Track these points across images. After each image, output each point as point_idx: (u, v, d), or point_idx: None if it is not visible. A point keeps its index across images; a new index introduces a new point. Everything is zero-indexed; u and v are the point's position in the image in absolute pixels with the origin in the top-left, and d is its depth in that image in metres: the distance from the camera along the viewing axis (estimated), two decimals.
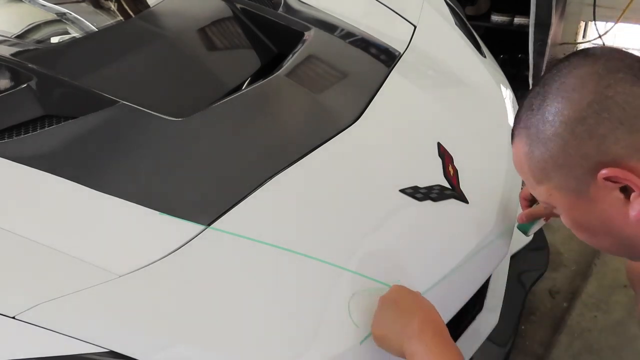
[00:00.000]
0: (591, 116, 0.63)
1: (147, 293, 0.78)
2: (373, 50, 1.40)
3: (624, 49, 0.67)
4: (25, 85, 1.08)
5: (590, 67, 0.65)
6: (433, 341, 0.74)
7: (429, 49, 1.45)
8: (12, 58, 1.17)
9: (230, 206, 0.89)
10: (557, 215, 0.78)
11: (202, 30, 1.37)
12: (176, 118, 1.05)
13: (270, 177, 0.95)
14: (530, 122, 0.69)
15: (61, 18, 1.42)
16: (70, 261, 0.79)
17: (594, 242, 0.75)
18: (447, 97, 1.33)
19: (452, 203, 1.02)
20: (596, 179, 0.64)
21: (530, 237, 1.47)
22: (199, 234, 0.85)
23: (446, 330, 0.77)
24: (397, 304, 0.79)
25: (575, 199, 0.69)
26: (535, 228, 1.07)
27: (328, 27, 1.43)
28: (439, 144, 1.10)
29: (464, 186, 1.06)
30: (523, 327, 1.57)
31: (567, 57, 0.68)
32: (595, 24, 2.84)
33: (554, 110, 0.66)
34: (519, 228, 1.08)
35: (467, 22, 1.73)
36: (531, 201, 1.05)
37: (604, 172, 0.63)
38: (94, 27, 1.36)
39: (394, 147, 1.11)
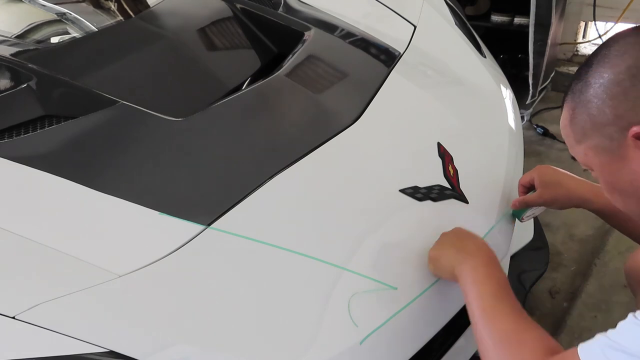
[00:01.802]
0: (628, 79, 0.67)
1: (147, 293, 0.78)
2: (373, 50, 1.40)
3: None
4: (25, 85, 1.08)
5: (634, 37, 0.69)
6: (482, 268, 0.82)
7: (429, 49, 1.45)
8: (12, 58, 1.17)
9: (230, 206, 0.89)
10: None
11: (202, 30, 1.37)
12: (176, 118, 1.05)
13: (270, 177, 0.95)
14: (576, 87, 0.74)
15: (61, 18, 1.42)
16: (70, 261, 0.79)
17: (623, 204, 0.77)
18: (447, 97, 1.34)
19: (452, 203, 1.02)
20: (627, 139, 0.68)
21: (531, 236, 1.47)
22: (199, 234, 0.85)
23: (498, 266, 0.83)
24: (457, 235, 0.90)
25: (607, 159, 0.72)
26: (530, 215, 1.11)
27: (328, 27, 1.43)
28: (439, 144, 1.10)
29: (464, 186, 1.06)
30: None
31: (617, 33, 0.73)
32: (595, 24, 2.84)
33: (596, 75, 0.70)
34: (513, 214, 1.11)
35: (467, 22, 1.73)
36: (528, 189, 1.09)
37: (634, 129, 0.67)
38: (94, 27, 1.36)
39: (394, 147, 1.11)
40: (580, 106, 0.72)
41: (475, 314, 0.79)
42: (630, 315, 0.66)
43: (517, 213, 1.11)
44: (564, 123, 0.77)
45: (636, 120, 0.67)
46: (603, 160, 0.73)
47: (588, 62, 0.73)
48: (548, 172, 1.06)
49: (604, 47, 0.71)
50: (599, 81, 0.70)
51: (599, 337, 0.67)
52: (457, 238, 0.90)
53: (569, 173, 1.06)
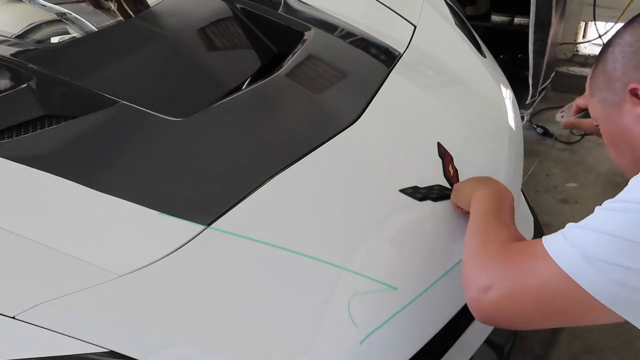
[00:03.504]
0: None
1: (147, 293, 0.78)
2: (373, 51, 1.40)
3: None
4: (25, 85, 1.08)
5: None
6: (491, 193, 0.88)
7: (429, 49, 1.45)
8: (12, 58, 1.17)
9: (230, 206, 0.89)
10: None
11: (202, 30, 1.37)
12: (176, 118, 1.05)
13: (270, 177, 0.95)
14: (603, 48, 0.81)
15: (61, 18, 1.42)
16: (70, 261, 0.79)
17: (616, 157, 0.82)
18: (447, 97, 1.34)
19: None
20: (626, 93, 0.74)
21: (531, 236, 1.47)
22: (199, 234, 0.85)
23: (511, 205, 0.87)
24: (482, 176, 0.97)
25: (609, 111, 0.78)
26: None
27: (328, 27, 1.43)
28: (439, 144, 1.10)
29: None
30: None
31: None
32: (595, 24, 2.84)
33: (619, 37, 0.77)
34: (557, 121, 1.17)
35: (467, 22, 1.73)
36: (581, 110, 1.10)
37: (632, 85, 0.73)
38: (94, 27, 1.36)
39: (394, 147, 1.11)
40: (600, 63, 0.80)
41: (468, 229, 0.84)
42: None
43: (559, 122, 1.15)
44: (587, 81, 0.85)
45: (637, 77, 0.72)
46: (606, 113, 0.79)
47: (620, 28, 0.79)
48: None
49: (630, 20, 0.78)
50: (620, 42, 0.77)
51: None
52: (481, 177, 0.98)
53: None
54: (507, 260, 0.71)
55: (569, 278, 0.63)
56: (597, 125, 0.93)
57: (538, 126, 2.65)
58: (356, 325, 0.81)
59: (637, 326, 0.63)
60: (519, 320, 0.72)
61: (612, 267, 0.60)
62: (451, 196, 0.98)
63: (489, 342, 1.22)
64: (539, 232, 1.54)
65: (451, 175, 1.05)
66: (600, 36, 2.87)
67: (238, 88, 1.22)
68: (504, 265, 0.71)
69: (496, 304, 0.70)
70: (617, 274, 0.60)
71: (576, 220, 0.68)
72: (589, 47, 3.28)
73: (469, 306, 0.76)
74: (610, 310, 0.62)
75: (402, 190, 0.99)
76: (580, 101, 1.09)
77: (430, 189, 1.01)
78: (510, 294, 0.69)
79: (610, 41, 0.79)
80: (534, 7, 2.31)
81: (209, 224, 0.86)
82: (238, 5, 1.45)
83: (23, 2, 1.47)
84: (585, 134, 1.18)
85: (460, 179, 1.06)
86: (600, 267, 0.60)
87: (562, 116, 1.14)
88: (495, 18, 2.93)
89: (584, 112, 1.07)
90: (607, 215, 0.64)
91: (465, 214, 0.93)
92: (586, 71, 3.12)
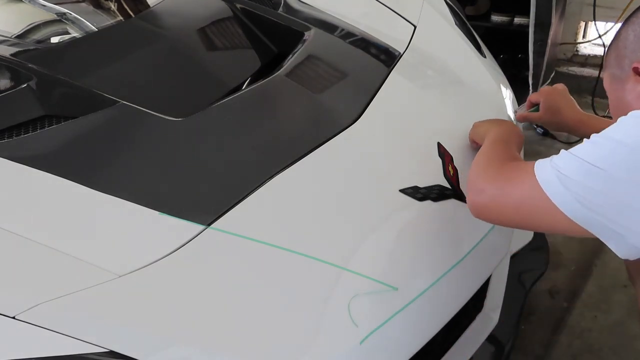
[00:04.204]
0: None
1: (147, 293, 0.78)
2: (373, 50, 1.40)
3: None
4: (25, 85, 1.08)
5: None
6: (502, 130, 1.02)
7: (429, 49, 1.45)
8: (12, 58, 1.17)
9: (230, 206, 0.89)
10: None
11: (202, 30, 1.37)
12: (176, 118, 1.05)
13: (270, 177, 0.95)
14: (619, 29, 0.87)
15: (61, 18, 1.42)
16: (70, 261, 0.79)
17: None
18: (447, 97, 1.34)
19: (452, 203, 1.02)
20: (631, 72, 0.80)
21: (531, 236, 1.47)
22: (199, 234, 0.85)
23: (520, 142, 1.02)
24: (500, 119, 1.12)
25: (615, 86, 0.85)
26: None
27: (328, 27, 1.43)
28: (439, 144, 1.10)
29: (464, 186, 1.06)
30: (523, 327, 1.57)
31: None
32: (595, 24, 2.84)
33: (633, 17, 0.83)
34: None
35: (467, 22, 1.73)
36: (533, 105, 1.25)
37: (635, 64, 0.80)
38: (94, 27, 1.36)
39: (394, 147, 1.11)
40: (615, 39, 0.86)
41: (479, 151, 0.97)
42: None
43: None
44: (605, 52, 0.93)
45: None
46: (613, 87, 0.86)
47: (638, 7, 0.85)
48: (554, 98, 1.20)
49: None
50: (635, 21, 0.82)
51: None
52: (499, 119, 1.13)
53: (572, 101, 1.20)
54: (501, 171, 0.85)
55: (542, 191, 0.74)
56: (542, 117, 1.18)
57: (538, 126, 2.65)
58: (356, 325, 0.81)
59: (599, 238, 0.72)
60: (501, 220, 0.87)
61: (576, 185, 0.70)
62: (469, 132, 1.13)
63: (489, 341, 1.22)
64: (539, 232, 1.54)
65: (451, 175, 1.05)
66: (600, 36, 2.87)
67: (238, 88, 1.22)
68: (498, 174, 0.85)
69: (486, 204, 0.85)
70: (580, 191, 0.70)
71: None
72: (589, 47, 3.28)
73: (467, 205, 0.90)
74: (574, 223, 0.72)
75: (402, 190, 0.99)
76: (533, 97, 1.24)
77: (430, 189, 1.01)
78: (496, 196, 0.83)
79: (627, 19, 0.84)
80: (534, 7, 2.31)
81: (209, 224, 0.86)
82: (238, 5, 1.45)
83: (23, 2, 1.47)
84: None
85: (460, 179, 1.06)
86: (567, 184, 0.71)
87: (517, 111, 1.31)
88: (495, 18, 2.93)
89: (535, 107, 1.22)
90: (587, 145, 0.73)
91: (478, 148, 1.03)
92: (586, 71, 3.13)
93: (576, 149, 0.74)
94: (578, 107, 1.19)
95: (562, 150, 0.76)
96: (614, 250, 0.71)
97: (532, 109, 1.24)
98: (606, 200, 0.68)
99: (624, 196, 0.67)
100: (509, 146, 0.96)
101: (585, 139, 0.75)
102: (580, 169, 0.70)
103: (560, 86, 1.22)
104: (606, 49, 0.91)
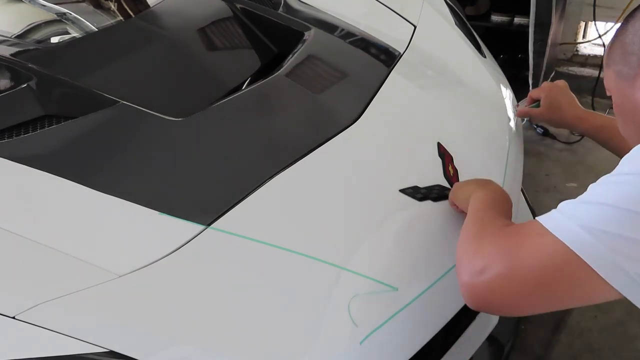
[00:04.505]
0: None
1: (147, 293, 0.78)
2: (373, 50, 1.40)
3: None
4: (25, 85, 1.08)
5: None
6: (488, 194, 0.86)
7: (429, 49, 1.45)
8: (12, 58, 1.17)
9: (230, 206, 0.89)
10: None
11: (202, 30, 1.37)
12: (176, 118, 1.05)
13: (270, 177, 0.95)
14: (622, 24, 0.81)
15: (61, 18, 1.42)
16: (70, 261, 0.79)
17: (622, 128, 0.83)
18: (447, 97, 1.34)
19: None
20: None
21: None
22: (199, 234, 0.85)
23: (509, 208, 0.86)
24: (482, 179, 0.97)
25: (622, 84, 0.78)
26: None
27: (328, 27, 1.43)
28: (439, 144, 1.10)
29: None
30: (523, 327, 1.57)
31: None
32: (595, 24, 2.84)
33: (636, 12, 0.79)
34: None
35: (467, 22, 1.73)
36: (534, 101, 1.25)
37: None
38: (94, 27, 1.36)
39: (394, 147, 1.11)
40: (620, 34, 0.80)
41: (464, 224, 0.81)
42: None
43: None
44: (606, 48, 0.85)
45: None
46: (619, 85, 0.79)
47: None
48: (555, 95, 1.19)
49: None
50: (635, 16, 0.78)
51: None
52: (482, 179, 0.96)
53: (572, 98, 1.19)
54: (502, 241, 0.69)
55: (570, 250, 0.60)
56: (543, 114, 1.17)
57: (538, 126, 2.65)
58: (356, 325, 0.80)
59: (635, 303, 0.61)
60: (517, 301, 0.67)
61: (612, 237, 0.58)
62: (449, 195, 0.97)
63: (489, 341, 1.22)
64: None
65: (451, 175, 1.05)
66: (600, 36, 2.87)
67: (238, 88, 1.22)
68: (500, 245, 0.68)
69: (493, 284, 0.66)
70: (617, 243, 0.58)
71: None
72: (589, 47, 3.28)
73: (462, 293, 0.72)
74: (610, 286, 0.59)
75: (402, 190, 0.99)
76: (534, 93, 1.23)
77: (430, 189, 1.01)
78: (507, 272, 0.65)
79: (632, 14, 0.79)
80: (534, 7, 2.30)
81: (209, 224, 0.86)
82: (238, 5, 1.45)
83: (23, 2, 1.48)
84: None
85: (461, 179, 1.06)
86: (600, 237, 0.59)
87: (518, 105, 1.31)
88: (495, 18, 2.93)
89: (536, 103, 1.23)
90: (604, 188, 0.63)
91: (462, 213, 0.91)
92: (586, 71, 3.13)
93: (589, 195, 0.64)
94: (578, 104, 1.19)
95: (567, 202, 0.65)
96: None
97: (532, 105, 1.25)
98: None
99: None
100: (499, 213, 0.81)
101: (591, 185, 0.66)
102: (608, 216, 0.59)
103: (561, 82, 1.22)
104: (608, 45, 0.84)
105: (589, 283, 0.60)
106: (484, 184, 0.93)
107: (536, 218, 0.67)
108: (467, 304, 0.72)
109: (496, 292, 0.67)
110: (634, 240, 0.57)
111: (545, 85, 1.23)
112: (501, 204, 0.85)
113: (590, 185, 0.65)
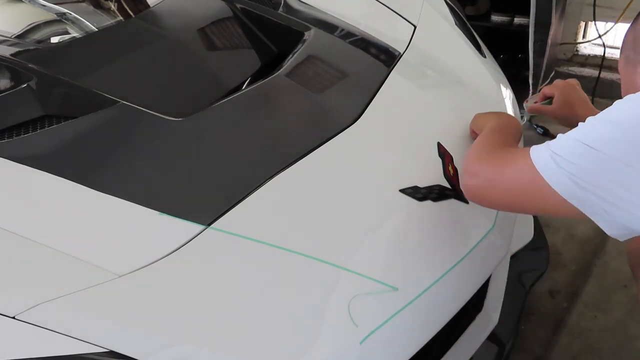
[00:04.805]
0: None
1: (147, 293, 0.78)
2: (373, 50, 1.40)
3: None
4: (25, 85, 1.08)
5: None
6: (504, 125, 1.03)
7: (429, 49, 1.45)
8: (12, 58, 1.17)
9: (230, 206, 0.89)
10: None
11: (202, 30, 1.37)
12: (176, 118, 1.05)
13: (270, 177, 0.95)
14: (637, 16, 0.87)
15: (61, 18, 1.42)
16: (70, 261, 0.79)
17: None
18: (447, 97, 1.34)
19: (452, 203, 1.02)
20: None
21: (531, 236, 1.47)
22: (199, 234, 0.85)
23: (518, 134, 1.03)
24: (502, 113, 1.16)
25: (629, 69, 0.86)
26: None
27: (328, 27, 1.43)
28: (439, 144, 1.10)
29: None
30: (523, 327, 1.57)
31: None
32: (595, 24, 2.83)
33: None
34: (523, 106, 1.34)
35: (467, 22, 1.73)
36: (546, 97, 1.27)
37: None
38: (94, 27, 1.36)
39: (394, 147, 1.11)
40: (635, 22, 0.86)
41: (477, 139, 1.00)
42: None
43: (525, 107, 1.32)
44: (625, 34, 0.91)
45: None
46: (626, 70, 0.87)
47: None
48: (569, 92, 1.21)
49: None
50: None
51: None
52: (500, 112, 1.15)
53: (585, 96, 1.22)
54: (496, 155, 0.87)
55: (536, 171, 0.75)
56: (555, 111, 1.20)
57: (538, 126, 2.65)
58: (356, 325, 0.81)
59: (591, 218, 0.74)
60: (494, 202, 0.89)
61: (570, 165, 0.72)
62: (470, 122, 1.14)
63: (489, 341, 1.22)
64: (539, 232, 1.54)
65: (451, 175, 1.05)
66: (600, 36, 2.87)
67: (238, 88, 1.22)
68: (493, 158, 0.87)
69: (480, 186, 0.88)
70: (574, 170, 0.71)
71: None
72: (589, 47, 3.28)
73: (462, 188, 0.95)
74: (566, 202, 0.73)
75: (402, 190, 0.99)
76: (546, 90, 1.24)
77: (430, 189, 1.01)
78: (491, 178, 0.85)
79: None
80: (534, 7, 2.30)
81: (209, 224, 0.86)
82: (238, 5, 1.45)
83: (23, 2, 1.48)
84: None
85: (461, 179, 1.06)
86: (561, 164, 0.72)
87: (527, 102, 1.30)
88: (495, 18, 2.93)
89: (548, 100, 1.23)
90: (583, 127, 0.75)
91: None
92: (586, 71, 3.13)
93: (572, 131, 0.75)
94: (590, 103, 1.21)
95: (559, 134, 0.77)
96: (604, 229, 0.73)
97: (544, 102, 1.24)
98: (598, 179, 0.70)
99: (615, 174, 0.69)
100: (506, 135, 0.98)
101: (580, 123, 0.76)
102: (574, 149, 0.72)
103: (574, 81, 1.23)
104: (625, 35, 0.89)
105: (549, 198, 0.75)
106: (501, 114, 1.14)
107: (532, 146, 0.80)
108: (465, 197, 0.95)
109: (482, 193, 0.89)
110: (581, 167, 0.71)
111: (559, 82, 1.24)
112: (510, 129, 1.02)
113: (580, 123, 0.76)
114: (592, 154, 0.70)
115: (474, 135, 1.12)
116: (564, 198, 0.73)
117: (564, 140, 0.75)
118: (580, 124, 0.75)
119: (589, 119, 0.75)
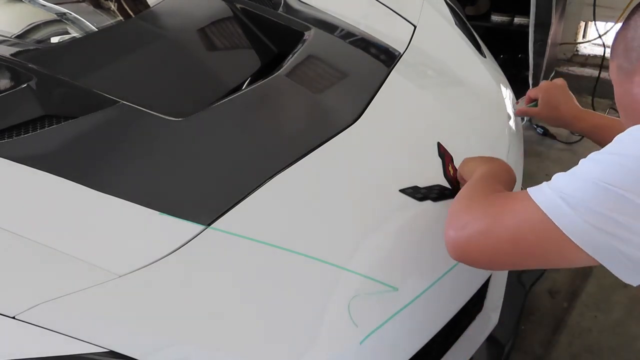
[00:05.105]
0: None
1: (147, 293, 0.78)
2: (373, 50, 1.40)
3: None
4: (25, 85, 1.08)
5: None
6: (496, 172, 0.89)
7: (429, 49, 1.45)
8: (12, 58, 1.17)
9: (230, 206, 0.89)
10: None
11: (202, 30, 1.37)
12: (176, 118, 1.05)
13: (270, 177, 0.95)
14: (627, 18, 0.83)
15: (61, 18, 1.42)
16: (70, 261, 0.79)
17: (625, 122, 0.84)
18: (447, 97, 1.34)
19: None
20: (639, 63, 0.77)
21: None
22: (199, 234, 0.85)
23: (508, 180, 0.90)
24: (490, 157, 0.98)
25: (622, 78, 0.81)
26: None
27: (328, 27, 1.43)
28: (439, 144, 1.10)
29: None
30: (523, 327, 1.57)
31: None
32: (595, 24, 2.84)
33: (638, 9, 0.80)
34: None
35: (467, 22, 1.73)
36: (532, 100, 1.27)
37: None
38: (94, 27, 1.36)
39: (394, 147, 1.11)
40: (624, 29, 0.82)
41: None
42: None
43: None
44: (612, 41, 0.87)
45: None
46: (619, 79, 0.82)
47: None
48: (553, 93, 1.20)
49: None
50: (637, 12, 0.79)
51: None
52: (488, 157, 0.98)
53: (570, 96, 1.20)
54: (489, 202, 0.75)
55: (545, 216, 0.66)
56: (541, 113, 1.19)
57: (538, 126, 2.65)
58: (356, 325, 0.81)
59: (607, 268, 0.66)
60: (491, 257, 0.74)
61: (586, 209, 0.63)
62: (458, 168, 1.01)
63: (489, 341, 1.22)
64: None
65: (451, 175, 1.05)
66: (600, 36, 2.87)
67: (238, 88, 1.22)
68: (485, 206, 0.75)
69: (472, 238, 0.73)
70: (591, 215, 0.63)
71: None
72: (589, 47, 3.28)
73: (446, 244, 0.78)
74: (581, 250, 0.65)
75: (402, 190, 0.99)
76: (532, 92, 1.25)
77: (430, 189, 1.01)
78: (486, 229, 0.72)
79: (635, 9, 0.80)
80: (534, 7, 2.30)
81: (209, 224, 0.86)
82: (238, 5, 1.45)
83: (23, 2, 1.48)
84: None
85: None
86: (575, 207, 0.64)
87: (518, 103, 1.31)
88: (495, 18, 2.93)
89: (534, 102, 1.24)
90: (589, 163, 0.68)
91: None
92: (586, 71, 3.13)
93: (577, 169, 0.68)
94: (576, 102, 1.20)
95: (558, 174, 0.70)
96: (620, 275, 0.66)
97: (530, 104, 1.25)
98: (616, 218, 0.62)
99: (633, 209, 0.62)
100: (497, 184, 0.85)
101: (582, 160, 0.70)
102: (587, 190, 0.64)
103: (560, 81, 1.23)
104: (613, 38, 0.85)
105: (560, 246, 0.66)
106: (490, 159, 0.97)
107: (527, 189, 0.71)
108: (450, 256, 0.78)
109: (474, 246, 0.73)
110: (602, 214, 0.63)
111: (543, 84, 1.24)
112: (501, 175, 0.90)
113: (581, 160, 0.70)
114: (607, 191, 0.63)
115: (463, 182, 0.99)
116: (576, 244, 0.65)
117: (569, 179, 0.67)
118: (582, 162, 0.69)
119: (592, 156, 0.68)
